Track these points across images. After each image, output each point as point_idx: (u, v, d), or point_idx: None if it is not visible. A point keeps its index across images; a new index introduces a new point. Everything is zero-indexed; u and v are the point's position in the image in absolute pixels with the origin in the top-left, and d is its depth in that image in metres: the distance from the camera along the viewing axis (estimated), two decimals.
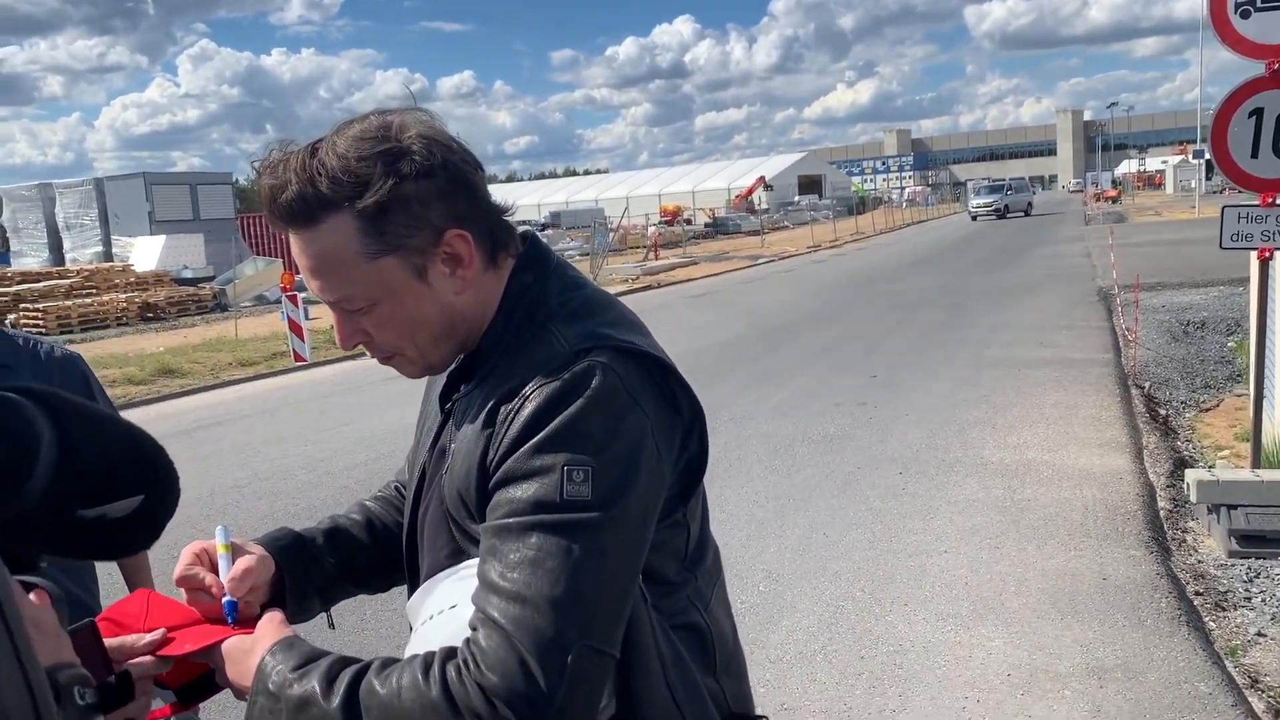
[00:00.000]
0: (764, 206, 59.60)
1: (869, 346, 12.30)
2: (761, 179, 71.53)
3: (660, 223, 51.30)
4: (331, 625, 1.47)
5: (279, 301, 19.11)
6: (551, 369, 1.11)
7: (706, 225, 54.69)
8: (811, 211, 57.52)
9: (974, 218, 50.96)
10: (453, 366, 1.29)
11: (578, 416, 1.08)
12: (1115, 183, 71.63)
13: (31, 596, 0.70)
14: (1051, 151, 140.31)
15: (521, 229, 1.29)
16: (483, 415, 1.15)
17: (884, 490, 6.41)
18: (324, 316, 17.11)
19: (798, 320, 15.57)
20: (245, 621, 1.23)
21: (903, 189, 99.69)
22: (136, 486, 0.70)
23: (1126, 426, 7.66)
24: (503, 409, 1.12)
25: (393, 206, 1.12)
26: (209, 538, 1.31)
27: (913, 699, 3.80)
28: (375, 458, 7.92)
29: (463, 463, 1.16)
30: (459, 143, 1.19)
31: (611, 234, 35.40)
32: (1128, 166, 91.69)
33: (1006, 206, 50.96)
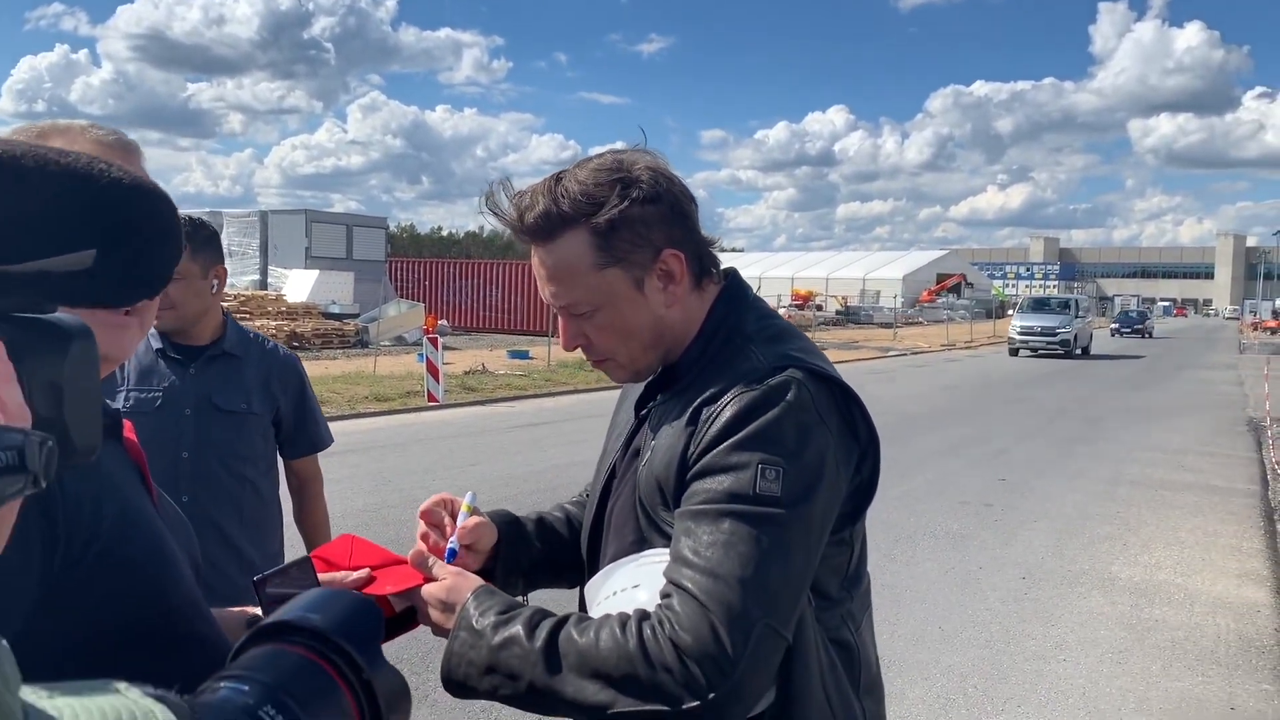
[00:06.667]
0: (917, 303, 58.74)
1: (999, 450, 12.05)
2: (962, 276, 69.65)
3: (791, 305, 51.40)
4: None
5: (417, 343, 19.85)
6: (751, 380, 1.25)
7: (838, 313, 54.53)
8: (948, 310, 56.58)
9: (1015, 351, 31.50)
10: (651, 377, 1.43)
11: (773, 423, 1.21)
12: (1276, 313, 68.19)
13: None
14: (1209, 275, 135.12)
15: (725, 266, 1.44)
16: (685, 415, 1.28)
17: (1005, 593, 6.27)
18: (456, 362, 17.53)
19: (927, 415, 15.35)
20: None
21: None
22: (85, 240, 0.59)
23: (1269, 560, 7.29)
24: (705, 410, 1.26)
25: (621, 225, 1.30)
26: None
27: None
28: (498, 500, 8.15)
29: (663, 456, 1.30)
30: (679, 179, 1.36)
31: None
32: None
33: (1076, 340, 31.38)
